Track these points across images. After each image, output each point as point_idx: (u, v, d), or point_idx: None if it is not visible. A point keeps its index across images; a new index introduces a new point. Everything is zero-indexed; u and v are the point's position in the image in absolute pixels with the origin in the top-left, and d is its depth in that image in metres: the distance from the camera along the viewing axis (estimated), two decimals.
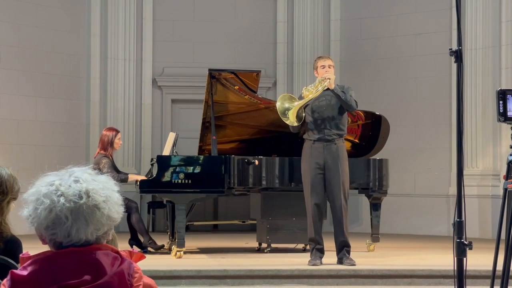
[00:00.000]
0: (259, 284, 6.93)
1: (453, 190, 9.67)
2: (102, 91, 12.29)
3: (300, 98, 7.44)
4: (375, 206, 8.82)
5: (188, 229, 10.32)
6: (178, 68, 12.60)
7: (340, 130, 7.44)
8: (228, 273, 7.03)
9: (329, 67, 7.46)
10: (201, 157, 8.26)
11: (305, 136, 7.55)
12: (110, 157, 8.55)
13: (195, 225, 11.81)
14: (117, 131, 8.69)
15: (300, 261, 7.46)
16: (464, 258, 4.11)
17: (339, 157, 7.35)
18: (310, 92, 7.37)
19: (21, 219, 2.11)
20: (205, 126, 8.54)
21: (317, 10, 12.66)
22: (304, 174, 7.45)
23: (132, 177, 8.67)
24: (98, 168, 8.28)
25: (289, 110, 7.32)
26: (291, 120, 7.33)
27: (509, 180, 4.71)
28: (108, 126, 10.20)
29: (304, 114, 7.41)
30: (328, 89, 7.37)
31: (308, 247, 7.95)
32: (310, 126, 7.44)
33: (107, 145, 8.51)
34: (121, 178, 8.36)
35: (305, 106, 7.43)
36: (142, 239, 8.64)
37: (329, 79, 7.35)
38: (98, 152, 8.57)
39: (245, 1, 12.85)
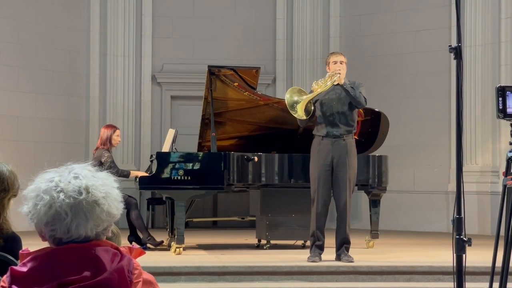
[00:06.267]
0: (258, 280, 6.93)
1: (453, 186, 9.68)
2: (102, 87, 12.28)
3: (310, 92, 7.44)
4: (375, 203, 8.83)
5: (187, 225, 10.34)
6: (177, 64, 12.60)
7: (349, 126, 7.41)
8: (227, 269, 7.04)
9: (340, 63, 7.46)
10: (201, 153, 8.26)
11: (314, 132, 7.53)
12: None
13: (194, 221, 11.81)
14: (116, 128, 8.71)
15: (299, 258, 7.46)
16: (464, 255, 4.11)
17: (347, 153, 7.33)
18: (320, 86, 7.36)
19: (20, 215, 2.11)
20: (205, 123, 8.54)
21: (317, 7, 12.65)
22: (312, 170, 7.43)
23: (134, 173, 8.74)
24: (100, 162, 8.31)
25: (297, 103, 7.30)
26: (299, 113, 7.30)
27: (508, 177, 4.71)
28: (108, 123, 10.25)
29: (313, 108, 7.41)
30: (338, 84, 7.38)
31: (307, 243, 7.94)
32: (319, 121, 7.42)
33: (105, 142, 8.54)
34: (123, 173, 8.45)
35: (314, 101, 7.43)
36: (141, 236, 8.66)
37: (339, 73, 7.36)
38: (98, 147, 8.60)
39: None
